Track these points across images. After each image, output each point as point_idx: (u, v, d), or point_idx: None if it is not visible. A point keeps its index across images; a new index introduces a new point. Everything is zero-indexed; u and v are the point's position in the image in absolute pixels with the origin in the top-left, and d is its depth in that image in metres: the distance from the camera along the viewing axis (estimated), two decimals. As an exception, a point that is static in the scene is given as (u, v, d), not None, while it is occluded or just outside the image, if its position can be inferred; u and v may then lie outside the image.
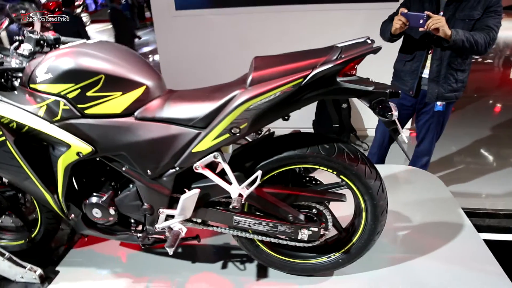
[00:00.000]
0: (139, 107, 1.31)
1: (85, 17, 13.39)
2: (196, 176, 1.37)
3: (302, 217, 1.38)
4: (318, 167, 1.34)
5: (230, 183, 1.31)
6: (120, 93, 1.28)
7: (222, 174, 1.33)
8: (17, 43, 1.52)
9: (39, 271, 1.68)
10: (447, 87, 2.17)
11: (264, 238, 1.47)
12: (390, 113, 1.13)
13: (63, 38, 1.58)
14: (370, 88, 1.16)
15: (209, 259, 1.74)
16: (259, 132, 1.43)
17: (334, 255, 1.52)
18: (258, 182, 1.26)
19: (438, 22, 1.91)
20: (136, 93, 1.30)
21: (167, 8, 3.69)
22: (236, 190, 1.27)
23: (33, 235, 1.78)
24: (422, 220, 1.93)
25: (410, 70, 2.24)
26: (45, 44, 1.52)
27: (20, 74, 1.39)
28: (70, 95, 1.26)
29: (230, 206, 1.23)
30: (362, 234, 1.45)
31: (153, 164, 1.34)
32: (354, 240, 1.48)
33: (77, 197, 1.50)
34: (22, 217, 1.80)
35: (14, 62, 1.40)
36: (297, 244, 1.47)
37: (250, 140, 1.62)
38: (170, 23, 3.77)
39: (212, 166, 1.37)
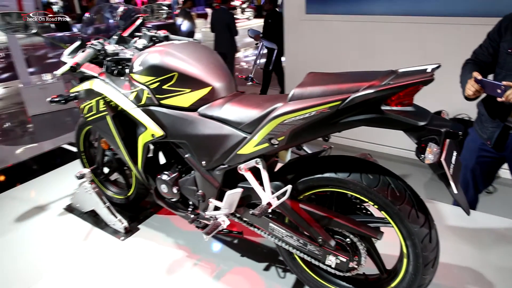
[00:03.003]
0: (204, 104, 1.46)
1: (248, 12, 14.76)
2: (245, 176, 1.45)
3: (332, 243, 1.32)
4: (359, 196, 1.25)
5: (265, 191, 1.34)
6: (189, 90, 1.45)
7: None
8: (137, 38, 1.86)
9: (125, 223, 2.05)
10: None
11: (298, 252, 1.45)
12: (422, 155, 0.97)
13: (171, 36, 1.86)
14: (421, 123, 1.02)
15: (256, 258, 1.81)
16: (298, 148, 1.41)
17: (369, 294, 1.40)
18: (287, 196, 1.26)
19: None
20: (203, 91, 1.45)
21: (298, 12, 3.79)
22: (267, 198, 1.29)
23: (128, 194, 2.17)
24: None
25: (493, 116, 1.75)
26: (157, 40, 1.82)
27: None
28: (151, 86, 1.50)
29: (251, 212, 1.27)
30: (400, 282, 1.29)
31: (207, 157, 1.48)
32: (392, 285, 1.32)
33: (154, 171, 1.77)
34: (124, 177, 2.21)
35: (129, 54, 1.73)
36: (329, 269, 1.40)
37: (308, 152, 1.61)
38: (299, 26, 3.86)
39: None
